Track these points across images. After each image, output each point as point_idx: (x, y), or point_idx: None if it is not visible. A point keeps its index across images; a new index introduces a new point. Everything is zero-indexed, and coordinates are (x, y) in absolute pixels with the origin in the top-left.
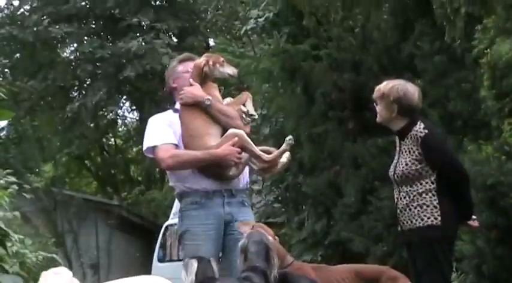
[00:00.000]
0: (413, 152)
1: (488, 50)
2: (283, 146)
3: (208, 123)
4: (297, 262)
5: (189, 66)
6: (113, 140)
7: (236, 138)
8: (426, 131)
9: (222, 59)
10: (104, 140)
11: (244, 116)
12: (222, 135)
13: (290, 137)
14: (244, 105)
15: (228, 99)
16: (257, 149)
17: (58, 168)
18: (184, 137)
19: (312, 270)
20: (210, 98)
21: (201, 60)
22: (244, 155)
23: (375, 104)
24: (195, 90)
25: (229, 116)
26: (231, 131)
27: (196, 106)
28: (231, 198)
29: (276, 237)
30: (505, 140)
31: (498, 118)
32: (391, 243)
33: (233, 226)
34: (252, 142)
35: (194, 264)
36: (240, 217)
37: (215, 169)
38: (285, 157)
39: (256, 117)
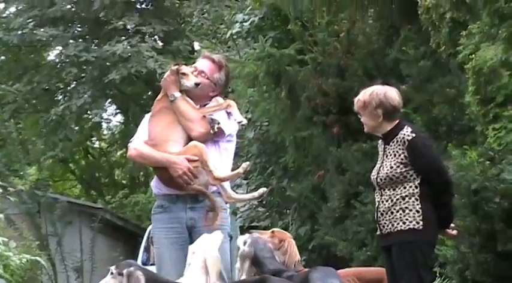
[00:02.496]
0: (399, 155)
1: (473, 55)
2: (238, 169)
3: (170, 126)
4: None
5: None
6: (97, 143)
7: (196, 150)
8: (414, 135)
9: (183, 70)
10: (89, 143)
11: (211, 122)
12: (186, 139)
13: (247, 163)
14: (229, 113)
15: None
16: (211, 165)
17: (42, 171)
18: (148, 144)
19: None
20: (176, 95)
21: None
22: (201, 170)
23: (358, 115)
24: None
25: (186, 117)
26: (192, 142)
27: (165, 105)
28: (196, 203)
29: (293, 241)
30: (489, 145)
31: (483, 123)
32: (375, 248)
33: (197, 232)
34: (207, 157)
35: (142, 279)
36: (204, 223)
37: (167, 174)
38: (257, 193)
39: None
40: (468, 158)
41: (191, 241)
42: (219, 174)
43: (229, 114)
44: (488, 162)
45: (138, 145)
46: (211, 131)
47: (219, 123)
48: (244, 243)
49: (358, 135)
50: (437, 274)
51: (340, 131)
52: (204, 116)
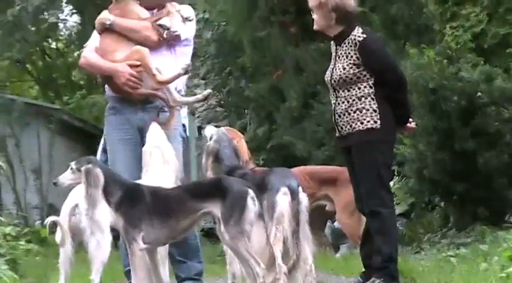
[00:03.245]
0: (351, 57)
1: None
2: (179, 70)
3: (118, 40)
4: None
5: None
6: (54, 43)
7: (138, 55)
8: (364, 35)
9: None
10: (45, 43)
11: (160, 28)
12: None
13: (188, 63)
14: (186, 18)
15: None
16: (153, 68)
17: None
18: (98, 54)
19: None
20: (111, 18)
21: None
22: (146, 74)
23: (311, 13)
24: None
25: (133, 29)
26: (134, 47)
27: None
28: (147, 103)
29: (243, 140)
30: (447, 44)
31: (440, 22)
32: (333, 148)
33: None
34: (149, 61)
35: (100, 176)
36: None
37: (114, 82)
38: (202, 95)
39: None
40: (426, 57)
41: (142, 143)
42: (161, 77)
43: (186, 19)
44: (445, 61)
45: (88, 53)
46: (161, 38)
47: (168, 29)
48: (210, 138)
49: (316, 35)
50: (396, 173)
51: (297, 31)
52: (153, 24)
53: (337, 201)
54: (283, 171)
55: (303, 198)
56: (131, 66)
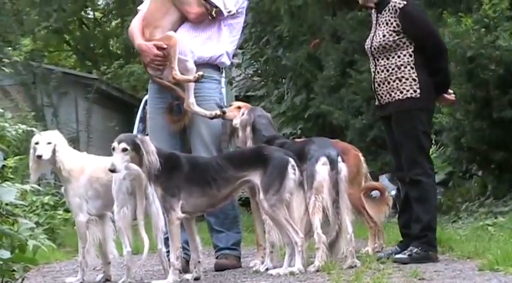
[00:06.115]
0: (391, 24)
1: None
2: (190, 77)
3: (164, 9)
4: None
5: None
6: (91, 13)
7: (167, 42)
8: (405, 2)
9: None
10: (83, 13)
11: (208, 5)
12: (177, 25)
13: (200, 72)
14: None
15: None
16: (175, 63)
17: (37, 41)
18: (142, 24)
19: None
20: None
21: None
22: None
23: None
24: None
25: (181, 0)
26: (169, 33)
27: None
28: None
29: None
30: (484, 12)
31: None
32: (371, 116)
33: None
34: (175, 54)
35: (150, 142)
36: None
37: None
38: (210, 113)
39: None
40: (463, 26)
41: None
42: (177, 73)
43: None
44: (483, 29)
45: (134, 21)
46: (210, 17)
47: (216, 7)
48: (242, 113)
49: (353, 4)
50: (433, 142)
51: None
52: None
53: None
54: (323, 140)
55: (342, 167)
56: (158, 47)
